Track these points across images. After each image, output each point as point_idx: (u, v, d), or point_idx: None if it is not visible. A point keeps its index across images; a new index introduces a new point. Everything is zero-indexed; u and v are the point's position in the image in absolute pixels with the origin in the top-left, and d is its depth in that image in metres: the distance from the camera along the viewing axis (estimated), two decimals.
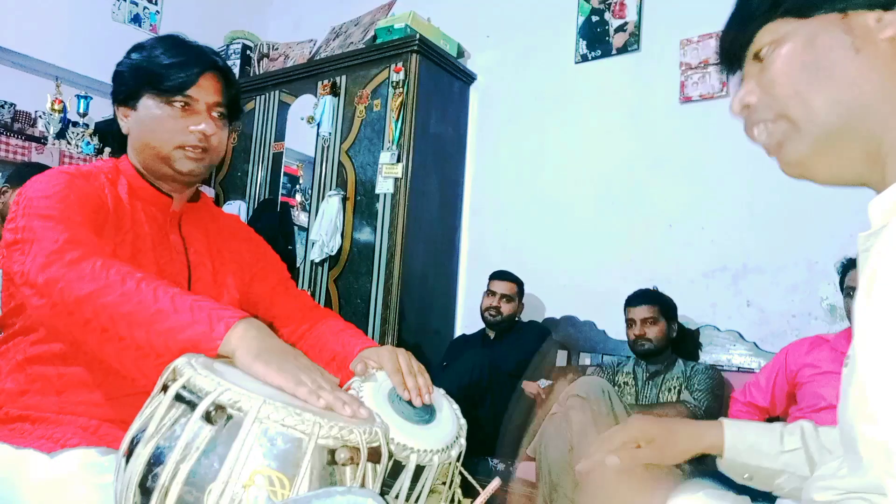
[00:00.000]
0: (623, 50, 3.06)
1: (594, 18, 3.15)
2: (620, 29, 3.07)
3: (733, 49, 0.68)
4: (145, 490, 0.65)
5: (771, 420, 1.91)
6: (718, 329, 2.65)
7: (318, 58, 3.64)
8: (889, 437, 0.43)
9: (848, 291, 2.00)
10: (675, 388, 2.35)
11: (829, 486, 0.55)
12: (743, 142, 0.72)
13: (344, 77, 3.42)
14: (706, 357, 2.61)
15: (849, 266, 2.02)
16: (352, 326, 1.21)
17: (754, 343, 2.57)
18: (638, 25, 3.03)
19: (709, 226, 2.77)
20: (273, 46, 4.00)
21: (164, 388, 0.71)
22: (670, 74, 2.90)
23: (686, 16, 2.88)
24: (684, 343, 2.59)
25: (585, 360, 2.95)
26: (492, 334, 2.92)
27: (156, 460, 0.66)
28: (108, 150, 3.36)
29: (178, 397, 0.69)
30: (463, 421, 0.93)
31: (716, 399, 2.26)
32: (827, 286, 2.44)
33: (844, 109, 0.57)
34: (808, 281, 2.52)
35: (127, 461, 0.69)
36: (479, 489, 0.81)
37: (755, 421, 0.86)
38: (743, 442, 0.83)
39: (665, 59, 2.93)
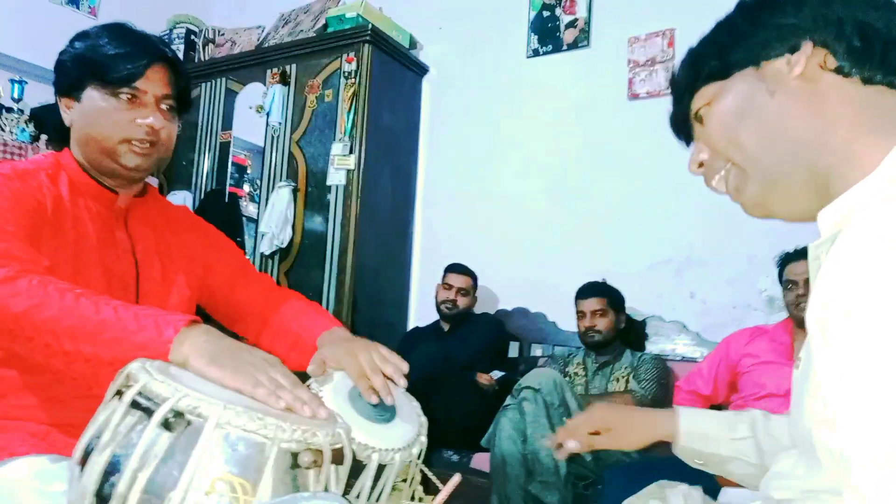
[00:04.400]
0: (573, 46, 3.10)
1: (545, 13, 3.18)
2: (571, 25, 3.11)
3: (679, 122, 0.76)
4: (102, 498, 0.63)
5: (714, 408, 1.99)
6: (663, 320, 2.74)
7: (266, 45, 3.55)
8: (847, 448, 0.45)
9: (786, 284, 2.09)
10: (623, 377, 2.42)
11: (786, 484, 0.58)
12: None
13: (294, 66, 3.35)
14: (652, 347, 2.70)
15: (787, 260, 2.12)
16: (314, 305, 1.20)
17: (697, 333, 2.66)
18: (588, 22, 3.07)
19: (655, 219, 2.85)
20: (219, 32, 3.88)
21: (119, 394, 0.69)
22: (618, 71, 2.96)
23: (634, 14, 2.94)
24: (631, 333, 2.66)
25: (536, 351, 3.00)
26: (446, 326, 2.93)
27: (112, 468, 0.64)
28: (44, 137, 3.21)
29: (134, 404, 0.67)
30: (424, 419, 0.93)
31: (662, 388, 2.34)
32: (765, 278, 2.55)
33: (771, 145, 0.64)
34: (748, 273, 2.62)
35: (81, 470, 0.67)
36: (440, 486, 0.82)
37: (707, 410, 0.92)
38: (696, 429, 0.88)
39: (613, 56, 2.98)
